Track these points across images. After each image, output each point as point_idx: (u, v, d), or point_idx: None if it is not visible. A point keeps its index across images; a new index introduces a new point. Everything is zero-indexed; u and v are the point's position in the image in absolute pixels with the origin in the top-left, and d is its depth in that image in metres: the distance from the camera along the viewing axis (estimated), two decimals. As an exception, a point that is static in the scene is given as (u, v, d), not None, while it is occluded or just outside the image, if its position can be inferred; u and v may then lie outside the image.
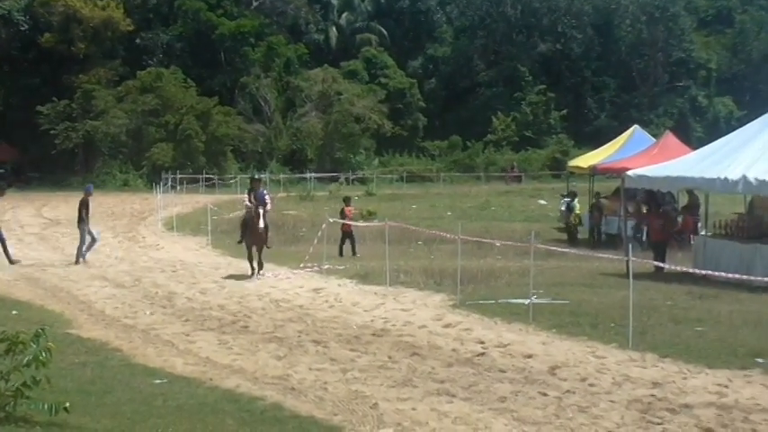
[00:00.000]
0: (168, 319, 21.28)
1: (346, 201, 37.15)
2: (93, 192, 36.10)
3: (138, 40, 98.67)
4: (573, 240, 39.45)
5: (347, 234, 34.89)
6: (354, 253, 34.55)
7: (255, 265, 28.64)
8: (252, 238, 28.41)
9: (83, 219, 33.00)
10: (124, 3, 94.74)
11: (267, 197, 29.00)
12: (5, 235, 32.68)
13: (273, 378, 15.28)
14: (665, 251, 29.04)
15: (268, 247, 29.15)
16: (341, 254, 34.38)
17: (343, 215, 35.17)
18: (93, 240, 33.14)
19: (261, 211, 28.02)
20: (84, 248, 32.71)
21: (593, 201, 41.23)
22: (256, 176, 32.95)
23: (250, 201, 28.59)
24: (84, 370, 15.61)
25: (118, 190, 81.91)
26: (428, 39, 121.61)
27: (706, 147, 30.60)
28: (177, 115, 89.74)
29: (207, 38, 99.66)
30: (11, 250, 32.29)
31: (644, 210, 34.43)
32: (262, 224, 27.91)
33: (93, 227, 33.58)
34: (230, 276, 28.84)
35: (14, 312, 21.44)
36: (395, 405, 13.48)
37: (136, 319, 21.39)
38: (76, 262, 32.26)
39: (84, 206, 33.22)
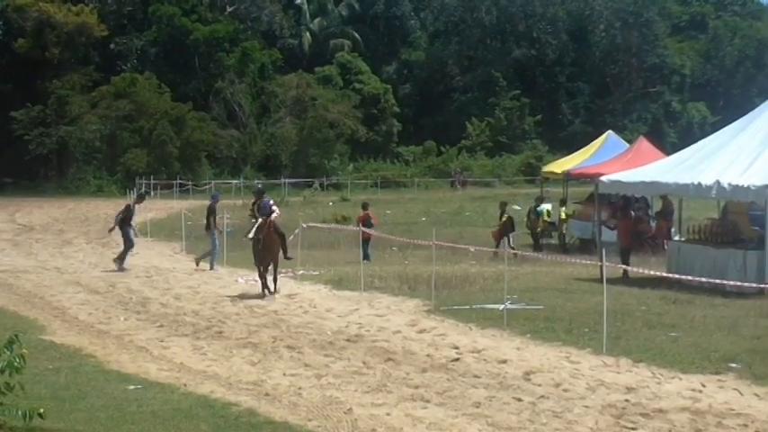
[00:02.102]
0: (142, 325, 21.24)
1: (365, 206, 36.84)
2: (220, 199, 36.70)
3: (112, 46, 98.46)
4: (539, 246, 39.43)
5: (367, 240, 34.40)
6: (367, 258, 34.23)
7: (270, 282, 26.01)
8: (257, 254, 25.93)
9: (210, 226, 33.44)
10: (98, 8, 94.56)
11: (274, 206, 26.30)
12: None
13: (248, 384, 15.26)
14: (630, 256, 29.16)
15: (288, 258, 27.11)
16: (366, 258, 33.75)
17: (363, 221, 34.85)
18: (215, 249, 33.28)
19: (260, 221, 25.60)
20: (211, 257, 33.03)
21: (532, 205, 41.49)
22: (260, 186, 30.18)
23: (255, 216, 26.09)
24: (59, 376, 15.57)
25: (92, 196, 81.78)
26: (402, 44, 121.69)
27: (680, 152, 30.77)
28: (151, 121, 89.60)
29: (181, 43, 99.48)
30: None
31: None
32: (252, 234, 25.53)
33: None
34: (243, 295, 26.52)
35: (-13, 318, 21.36)
36: (369, 410, 13.48)
37: (110, 324, 21.34)
38: (211, 268, 32.56)
39: (211, 213, 33.69)
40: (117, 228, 33.27)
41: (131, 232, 33.40)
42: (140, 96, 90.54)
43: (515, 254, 33.56)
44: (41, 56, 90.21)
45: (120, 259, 32.24)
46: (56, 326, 21.05)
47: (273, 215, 25.79)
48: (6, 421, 10.96)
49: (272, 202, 26.84)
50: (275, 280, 26.11)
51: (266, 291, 25.72)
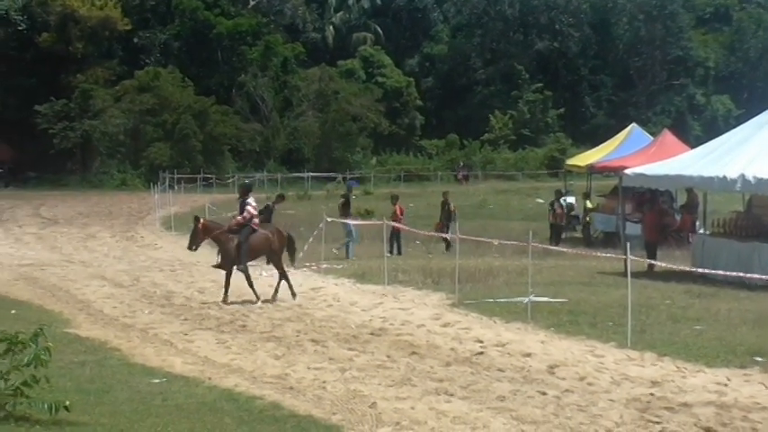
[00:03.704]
0: (167, 319, 21.29)
1: (394, 199, 36.81)
2: (353, 188, 36.87)
3: (135, 40, 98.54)
4: (556, 239, 39.27)
5: (396, 233, 34.48)
6: (399, 252, 34.28)
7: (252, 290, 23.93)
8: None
9: (347, 214, 34.30)
10: (122, 2, 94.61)
11: (249, 206, 24.08)
12: None
13: (272, 377, 15.27)
14: (656, 250, 29.03)
15: (240, 271, 23.78)
16: (392, 252, 33.75)
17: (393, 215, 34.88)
18: (351, 237, 33.65)
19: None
20: (346, 246, 33.41)
21: (552, 199, 41.35)
22: (246, 182, 27.47)
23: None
24: (83, 369, 15.60)
25: (116, 189, 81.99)
26: (425, 37, 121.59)
27: (704, 145, 30.66)
28: (175, 114, 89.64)
29: (204, 37, 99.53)
30: (9, 250, 32.32)
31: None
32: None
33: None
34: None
35: (13, 312, 21.41)
36: (393, 404, 13.47)
37: (134, 318, 21.40)
38: (347, 257, 32.97)
39: (347, 201, 34.76)
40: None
41: None
42: (164, 90, 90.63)
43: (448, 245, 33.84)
44: (65, 50, 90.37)
45: None
46: (81, 319, 21.11)
47: (239, 217, 24.18)
48: (33, 414, 11.01)
49: (249, 201, 24.29)
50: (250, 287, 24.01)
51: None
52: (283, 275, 23.99)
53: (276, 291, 23.94)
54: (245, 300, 23.49)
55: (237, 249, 23.62)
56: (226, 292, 23.54)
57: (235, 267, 23.62)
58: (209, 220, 25.03)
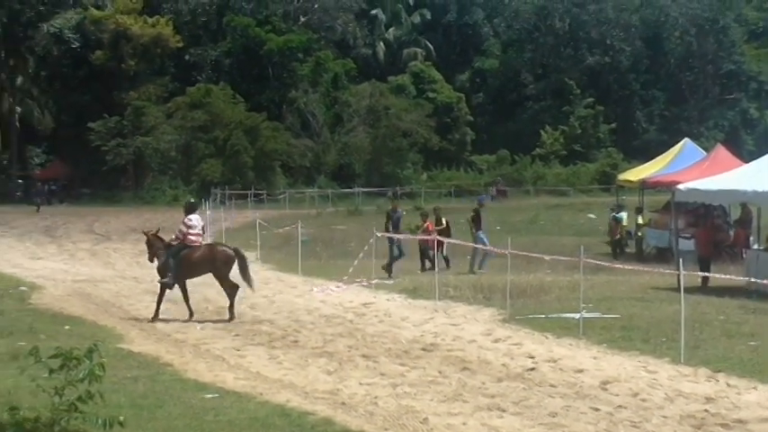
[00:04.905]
0: (218, 334, 21.36)
1: (423, 216, 36.71)
2: (485, 203, 37.30)
3: (187, 57, 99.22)
4: (618, 254, 39.24)
5: (426, 248, 34.43)
6: (433, 266, 34.22)
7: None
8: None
9: (477, 227, 34.55)
10: (173, 20, 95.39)
11: (182, 225, 24.21)
12: None
13: (324, 393, 15.28)
14: (710, 265, 28.81)
15: (159, 283, 24.20)
16: (424, 268, 34.14)
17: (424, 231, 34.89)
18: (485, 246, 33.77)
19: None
20: (479, 258, 33.54)
21: (612, 214, 41.28)
22: (191, 201, 26.64)
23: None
24: (137, 384, 15.68)
25: (167, 205, 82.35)
26: (475, 52, 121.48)
27: (758, 160, 30.41)
28: (226, 131, 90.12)
29: (255, 53, 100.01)
30: (62, 266, 32.54)
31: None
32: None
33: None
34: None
35: (67, 328, 21.59)
36: (445, 420, 13.44)
37: (186, 333, 21.50)
38: (470, 271, 33.16)
39: (477, 216, 34.74)
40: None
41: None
42: (215, 107, 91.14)
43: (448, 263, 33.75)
44: (118, 67, 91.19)
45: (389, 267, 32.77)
46: (133, 335, 21.23)
47: (173, 235, 24.41)
48: (87, 429, 11.05)
49: (186, 221, 24.17)
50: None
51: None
52: (229, 294, 23.85)
53: (231, 308, 23.72)
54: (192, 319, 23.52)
55: (164, 265, 23.91)
56: (187, 306, 23.86)
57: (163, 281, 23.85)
58: (154, 235, 24.95)
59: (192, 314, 23.76)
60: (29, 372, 11.06)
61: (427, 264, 34.22)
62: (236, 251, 24.45)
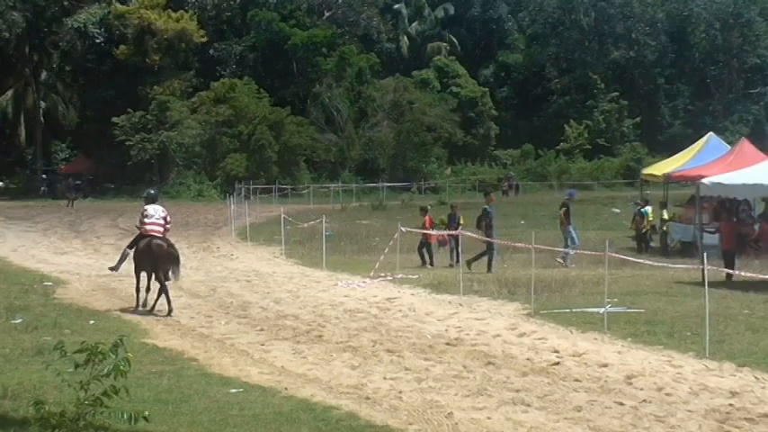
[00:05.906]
0: (243, 329, 21.36)
1: (422, 211, 36.81)
2: (575, 197, 38.93)
3: (211, 52, 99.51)
4: (644, 248, 39.16)
5: (426, 244, 34.55)
6: (432, 263, 34.31)
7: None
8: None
9: (567, 222, 34.73)
10: (198, 15, 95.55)
11: (140, 215, 24.97)
12: None
13: (348, 387, 15.29)
14: (735, 259, 28.70)
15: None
16: (424, 263, 34.23)
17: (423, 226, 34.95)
18: (574, 244, 33.91)
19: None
20: (569, 252, 33.37)
21: (636, 208, 41.18)
22: (151, 192, 26.63)
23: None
24: (161, 379, 15.72)
25: (192, 200, 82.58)
26: (500, 47, 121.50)
27: (783, 154, 30.31)
28: (250, 126, 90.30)
29: (279, 48, 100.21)
30: (87, 261, 32.55)
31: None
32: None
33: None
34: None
35: (92, 322, 21.65)
36: (470, 414, 13.44)
37: (211, 328, 21.51)
38: (565, 264, 32.97)
39: (568, 210, 34.97)
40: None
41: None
42: (239, 101, 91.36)
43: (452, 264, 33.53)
44: (142, 62, 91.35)
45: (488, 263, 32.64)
46: (158, 329, 21.25)
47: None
48: (112, 424, 11.10)
49: (143, 210, 24.84)
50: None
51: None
52: (161, 289, 23.87)
53: (155, 302, 23.91)
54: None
55: (122, 253, 25.74)
56: (136, 296, 24.40)
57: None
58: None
59: (138, 305, 24.05)
60: (54, 366, 11.14)
61: (427, 259, 34.39)
62: (170, 249, 24.33)
